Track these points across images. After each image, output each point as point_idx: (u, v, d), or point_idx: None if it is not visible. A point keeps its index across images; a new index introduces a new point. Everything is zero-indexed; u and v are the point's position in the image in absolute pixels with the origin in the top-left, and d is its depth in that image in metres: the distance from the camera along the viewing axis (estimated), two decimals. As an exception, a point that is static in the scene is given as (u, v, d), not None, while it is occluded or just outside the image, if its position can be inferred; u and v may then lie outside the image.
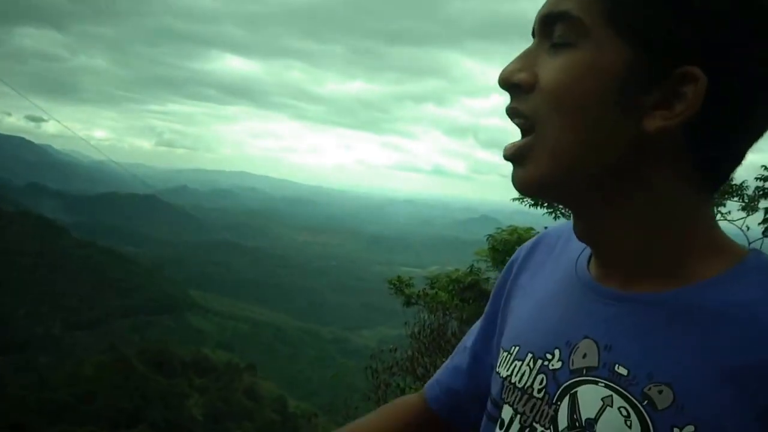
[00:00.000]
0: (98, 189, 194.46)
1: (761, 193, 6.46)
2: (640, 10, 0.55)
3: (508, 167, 0.63)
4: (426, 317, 6.32)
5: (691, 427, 0.54)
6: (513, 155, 0.62)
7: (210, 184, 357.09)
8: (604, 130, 0.57)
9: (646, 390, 0.57)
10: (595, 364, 0.61)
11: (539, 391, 0.65)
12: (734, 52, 0.54)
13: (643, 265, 0.62)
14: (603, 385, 0.59)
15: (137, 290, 77.46)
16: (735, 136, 0.58)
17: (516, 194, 6.64)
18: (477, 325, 0.91)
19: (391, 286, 7.01)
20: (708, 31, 0.54)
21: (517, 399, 0.68)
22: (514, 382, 0.69)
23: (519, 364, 0.69)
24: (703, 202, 0.61)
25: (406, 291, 6.88)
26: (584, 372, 0.62)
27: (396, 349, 6.13)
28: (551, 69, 0.58)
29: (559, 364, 0.64)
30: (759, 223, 6.44)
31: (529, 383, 0.67)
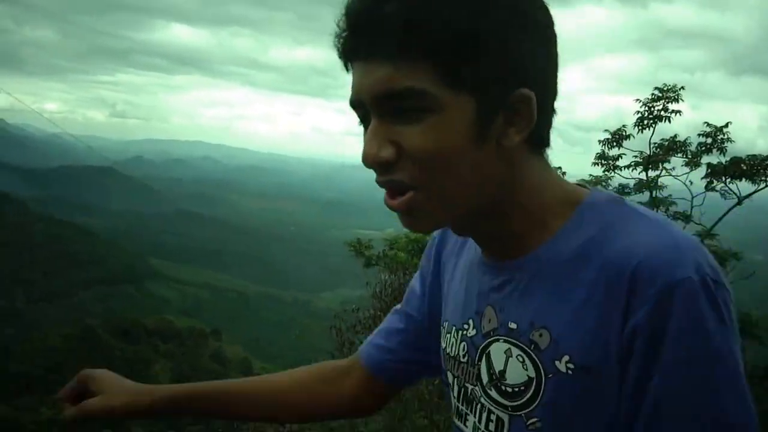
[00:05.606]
0: (54, 162, 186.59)
1: (703, 149, 6.82)
2: (475, 74, 0.66)
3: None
4: (386, 277, 6.39)
5: (567, 357, 0.68)
6: (404, 209, 0.71)
7: (164, 154, 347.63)
8: (480, 165, 0.68)
9: (531, 336, 0.71)
10: (496, 326, 0.76)
11: (464, 356, 0.82)
12: (526, 68, 0.68)
13: (516, 237, 0.75)
14: (503, 340, 0.75)
15: (98, 262, 77.07)
16: (551, 108, 0.73)
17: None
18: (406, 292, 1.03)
19: (351, 249, 7.36)
20: (510, 65, 0.67)
21: (453, 365, 0.84)
22: (449, 352, 0.85)
23: (449, 336, 0.86)
24: (546, 165, 0.75)
25: (366, 253, 7.32)
26: (491, 333, 0.77)
27: (358, 309, 6.17)
28: (416, 136, 0.66)
29: (474, 331, 0.80)
30: (702, 178, 6.82)
31: (456, 351, 0.83)
